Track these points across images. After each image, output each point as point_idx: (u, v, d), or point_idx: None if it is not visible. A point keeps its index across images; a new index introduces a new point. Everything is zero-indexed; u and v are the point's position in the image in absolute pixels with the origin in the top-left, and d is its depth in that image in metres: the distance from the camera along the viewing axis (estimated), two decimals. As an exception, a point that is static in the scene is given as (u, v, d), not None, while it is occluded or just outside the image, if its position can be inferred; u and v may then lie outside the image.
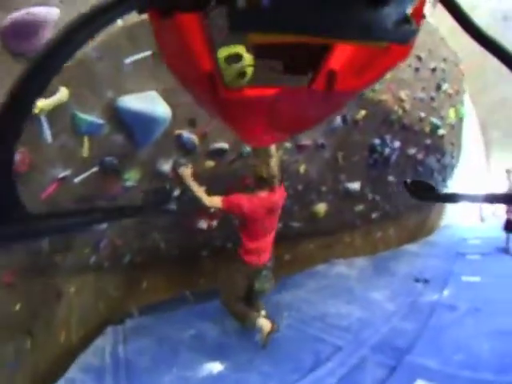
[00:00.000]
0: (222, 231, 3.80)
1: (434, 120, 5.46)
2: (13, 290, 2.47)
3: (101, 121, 2.39)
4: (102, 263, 3.23)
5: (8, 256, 2.31)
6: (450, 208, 8.36)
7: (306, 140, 3.70)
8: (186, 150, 2.91)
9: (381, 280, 4.74)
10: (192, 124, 2.84)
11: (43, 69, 0.36)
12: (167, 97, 2.56)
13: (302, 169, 3.93)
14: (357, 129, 4.26)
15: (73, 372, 2.80)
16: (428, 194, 0.89)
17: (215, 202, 2.85)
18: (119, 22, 2.26)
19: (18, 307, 2.50)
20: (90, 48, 2.19)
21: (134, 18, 2.19)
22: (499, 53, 0.58)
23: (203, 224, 3.59)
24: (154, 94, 2.54)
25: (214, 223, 3.67)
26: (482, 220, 9.99)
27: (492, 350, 2.78)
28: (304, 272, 4.86)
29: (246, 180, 3.45)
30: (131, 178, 2.81)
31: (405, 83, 4.70)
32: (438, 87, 5.49)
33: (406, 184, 0.96)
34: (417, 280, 4.70)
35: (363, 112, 4.16)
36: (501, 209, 8.11)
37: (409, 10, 0.42)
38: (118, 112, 2.45)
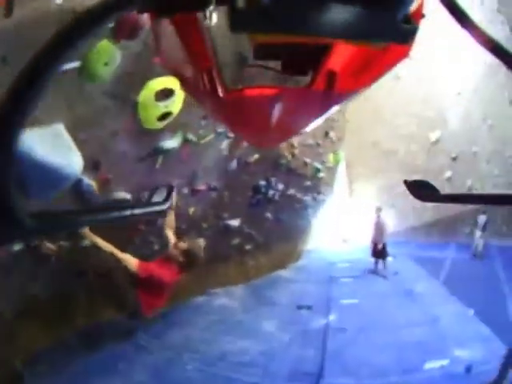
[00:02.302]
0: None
1: (317, 164, 5.92)
2: None
3: None
4: None
5: None
6: (314, 232, 9.00)
7: (201, 185, 3.68)
8: (83, 198, 2.58)
9: (265, 310, 4.88)
10: (95, 167, 2.53)
11: (40, 70, 0.35)
12: (75, 130, 2.21)
13: (191, 211, 3.88)
14: (247, 171, 4.38)
15: None
16: (428, 194, 0.89)
17: (130, 262, 2.62)
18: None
19: None
20: None
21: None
22: (499, 53, 0.58)
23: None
24: (59, 128, 2.13)
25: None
26: (345, 241, 10.80)
27: (390, 359, 3.16)
28: (185, 305, 4.72)
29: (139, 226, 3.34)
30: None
31: (298, 131, 5.00)
32: (326, 134, 5.95)
33: (406, 184, 0.95)
34: (300, 307, 4.90)
35: (256, 155, 4.29)
36: (363, 231, 8.87)
37: (409, 10, 0.42)
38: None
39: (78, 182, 2.46)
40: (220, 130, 3.47)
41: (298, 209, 6.42)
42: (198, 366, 3.39)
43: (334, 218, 9.82)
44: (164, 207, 0.86)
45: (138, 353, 3.62)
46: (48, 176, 2.02)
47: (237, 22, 0.39)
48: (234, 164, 4.01)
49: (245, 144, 3.97)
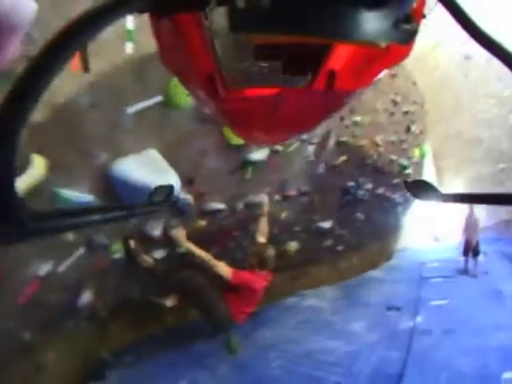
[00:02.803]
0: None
1: (403, 161, 5.77)
2: None
3: (89, 196, 2.03)
4: (79, 325, 3.04)
5: None
6: (405, 231, 8.79)
7: (291, 191, 3.79)
8: (178, 211, 2.81)
9: (355, 311, 4.84)
10: (190, 183, 2.75)
11: (41, 70, 0.35)
12: (168, 154, 2.39)
13: (283, 215, 4.00)
14: (335, 173, 4.40)
15: None
16: (428, 194, 0.88)
17: (223, 270, 2.86)
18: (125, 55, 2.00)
19: None
20: (78, 89, 1.83)
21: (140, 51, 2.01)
22: (499, 53, 0.57)
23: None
24: (153, 153, 2.28)
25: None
26: (436, 239, 10.51)
27: (472, 365, 3.03)
28: (275, 306, 4.84)
29: (233, 232, 3.49)
30: (118, 249, 2.62)
31: (381, 127, 4.93)
32: (408, 129, 5.80)
33: (406, 184, 0.95)
34: (389, 308, 4.85)
35: (343, 157, 4.31)
36: (455, 229, 8.62)
37: (409, 10, 0.42)
38: (111, 181, 2.07)
39: (175, 199, 2.66)
40: (304, 137, 3.56)
41: (388, 207, 6.31)
42: (282, 364, 3.47)
43: (425, 216, 9.41)
44: (163, 208, 0.86)
45: (224, 350, 3.77)
46: (144, 193, 2.23)
47: (237, 21, 0.39)
48: (321, 168, 4.07)
49: (329, 148, 4.03)
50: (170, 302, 3.28)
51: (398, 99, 5.16)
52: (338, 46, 0.64)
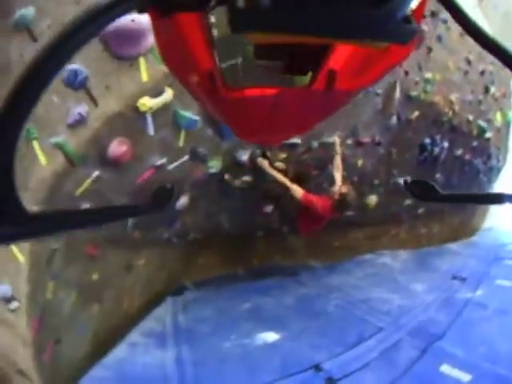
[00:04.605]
0: (279, 215, 4.18)
1: (481, 123, 5.61)
2: (94, 261, 2.82)
3: (196, 117, 2.81)
4: (171, 239, 3.63)
5: (95, 230, 2.62)
6: (494, 209, 8.30)
7: (365, 137, 4.09)
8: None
9: (422, 273, 4.99)
10: None
11: (40, 71, 0.36)
12: None
13: (359, 163, 4.30)
14: (410, 128, 4.57)
15: (134, 336, 3.11)
16: (428, 194, 0.86)
17: (296, 191, 3.30)
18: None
19: (95, 277, 2.86)
20: None
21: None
22: (499, 53, 0.56)
23: (268, 208, 4.02)
24: None
25: (276, 208, 4.08)
26: None
27: (509, 348, 3.00)
28: (353, 260, 5.19)
29: (311, 168, 3.90)
30: (214, 165, 3.27)
31: (455, 86, 4.93)
32: (486, 90, 5.60)
33: (405, 183, 0.92)
34: (454, 277, 4.91)
35: (416, 112, 4.48)
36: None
37: (409, 10, 0.41)
38: None
39: None
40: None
41: (469, 173, 6.14)
42: (340, 304, 3.81)
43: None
44: (163, 209, 0.89)
45: (294, 286, 4.24)
46: None
47: (237, 21, 0.39)
48: (393, 120, 4.28)
49: (396, 99, 4.14)
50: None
51: (472, 57, 5.04)
52: (338, 46, 0.63)
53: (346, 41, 0.48)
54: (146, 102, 2.54)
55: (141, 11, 0.46)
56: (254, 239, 4.38)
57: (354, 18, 0.38)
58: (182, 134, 2.86)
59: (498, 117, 6.18)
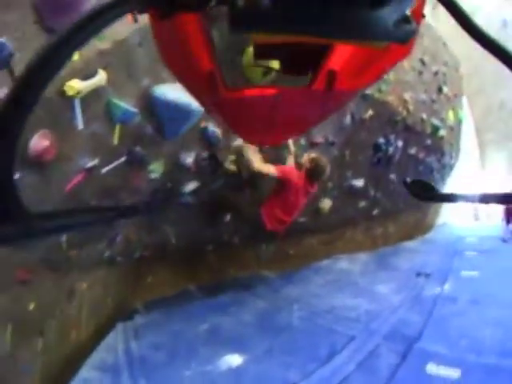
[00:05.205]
0: (230, 226, 3.90)
1: (435, 121, 5.69)
2: (28, 288, 2.43)
3: (135, 109, 2.42)
4: (114, 258, 3.28)
5: (23, 252, 2.27)
6: (445, 207, 8.60)
7: (318, 137, 3.90)
8: (209, 143, 3.02)
9: (384, 274, 4.89)
10: None
11: (42, 70, 0.36)
12: None
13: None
14: (363, 128, 4.46)
15: (86, 371, 2.78)
16: (428, 193, 0.88)
17: (271, 168, 3.13)
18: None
19: (32, 306, 2.47)
20: (130, 32, 2.23)
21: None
22: (499, 54, 0.57)
23: (218, 218, 3.72)
24: None
25: (228, 217, 3.79)
26: (477, 219, 10.28)
27: (493, 337, 2.95)
28: (309, 267, 5.02)
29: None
30: (155, 170, 2.87)
31: (409, 85, 4.92)
32: (439, 90, 5.74)
33: (405, 183, 0.95)
34: (418, 274, 4.84)
35: (370, 111, 4.37)
36: (495, 209, 8.48)
37: (409, 10, 0.41)
38: (153, 101, 2.45)
39: (204, 130, 2.91)
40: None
41: (422, 172, 6.22)
42: (303, 315, 3.57)
43: (466, 192, 9.20)
44: (164, 210, 0.92)
45: (251, 300, 3.96)
46: (179, 111, 2.54)
47: (237, 22, 0.39)
48: (348, 119, 4.14)
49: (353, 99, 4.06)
50: None
51: (426, 59, 5.14)
52: (338, 46, 0.64)
53: (346, 41, 0.49)
54: (74, 85, 2.05)
55: (141, 12, 0.47)
56: (205, 253, 4.13)
57: (353, 18, 0.38)
58: (117, 129, 2.43)
59: (451, 115, 6.35)
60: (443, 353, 2.79)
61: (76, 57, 2.03)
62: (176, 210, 3.37)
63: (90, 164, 2.36)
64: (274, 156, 3.57)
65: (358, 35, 0.40)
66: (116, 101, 2.29)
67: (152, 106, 2.47)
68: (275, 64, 0.93)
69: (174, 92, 2.46)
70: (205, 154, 3.07)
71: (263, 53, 0.83)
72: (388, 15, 0.38)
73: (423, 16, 0.69)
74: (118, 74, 2.23)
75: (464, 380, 2.46)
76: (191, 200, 3.27)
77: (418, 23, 0.54)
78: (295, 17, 0.37)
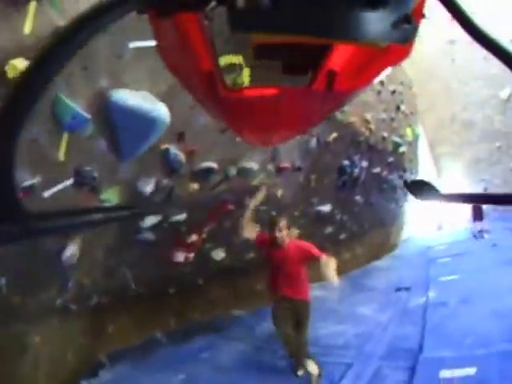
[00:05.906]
0: (194, 266, 3.61)
1: (396, 139, 5.83)
2: None
3: (87, 115, 1.98)
4: (68, 306, 2.86)
5: None
6: (408, 221, 8.83)
7: (285, 163, 3.75)
8: (171, 169, 2.64)
9: (362, 296, 4.79)
10: (181, 138, 2.58)
11: (42, 69, 0.36)
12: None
13: (279, 193, 3.94)
14: (328, 150, 4.39)
15: None
16: (428, 193, 0.88)
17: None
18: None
19: None
20: None
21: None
22: (500, 53, 0.56)
23: (179, 257, 3.37)
24: (147, 95, 2.20)
25: (191, 256, 3.48)
26: (440, 228, 10.60)
27: (499, 327, 2.93)
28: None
29: (228, 205, 3.42)
30: (109, 199, 2.43)
31: (369, 106, 4.97)
32: (397, 108, 5.92)
33: (406, 184, 0.96)
34: (398, 289, 4.81)
35: (335, 134, 4.30)
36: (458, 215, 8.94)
37: (409, 10, 0.41)
38: (109, 107, 2.04)
39: (166, 152, 2.54)
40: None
41: (386, 190, 6.33)
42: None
43: (427, 205, 9.69)
44: (164, 210, 0.87)
45: (225, 343, 3.69)
46: (139, 122, 2.17)
47: (237, 21, 0.39)
48: (313, 143, 4.04)
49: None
50: None
51: (384, 78, 5.22)
52: (338, 46, 0.63)
53: (346, 41, 0.49)
54: (18, 65, 1.59)
55: (141, 12, 0.46)
56: (167, 296, 3.78)
57: (352, 19, 0.38)
58: (64, 139, 1.96)
59: (409, 132, 6.58)
60: (452, 356, 2.69)
61: (28, 29, 1.63)
62: (132, 248, 3.01)
63: (28, 182, 1.88)
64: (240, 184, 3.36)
65: (358, 35, 0.40)
66: (65, 99, 1.87)
67: (108, 113, 2.07)
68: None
69: (135, 99, 2.12)
70: (166, 182, 2.71)
71: (263, 53, 0.81)
72: (387, 16, 0.39)
73: (423, 16, 0.67)
74: (71, 64, 1.89)
75: (483, 374, 2.36)
76: (151, 236, 2.96)
77: (418, 23, 0.53)
78: (295, 17, 0.38)
